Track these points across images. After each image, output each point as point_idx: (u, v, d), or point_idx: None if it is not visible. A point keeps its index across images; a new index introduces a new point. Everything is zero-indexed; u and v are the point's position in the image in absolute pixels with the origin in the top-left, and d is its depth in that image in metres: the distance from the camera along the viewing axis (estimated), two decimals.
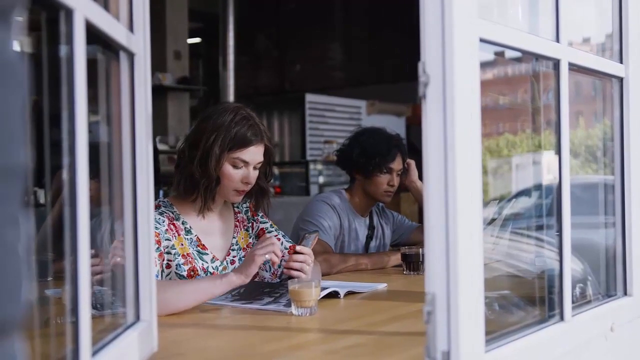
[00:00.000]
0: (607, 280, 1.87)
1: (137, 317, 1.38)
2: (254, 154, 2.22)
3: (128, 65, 1.36)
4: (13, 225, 0.56)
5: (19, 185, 0.58)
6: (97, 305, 1.36)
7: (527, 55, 1.59)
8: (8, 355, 0.56)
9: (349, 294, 2.18)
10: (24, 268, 0.58)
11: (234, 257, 2.32)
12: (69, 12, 1.00)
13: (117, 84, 1.35)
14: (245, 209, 2.42)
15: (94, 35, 1.12)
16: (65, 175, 1.02)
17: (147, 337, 1.38)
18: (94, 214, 1.11)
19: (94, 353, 1.10)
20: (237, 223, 2.38)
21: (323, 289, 2.03)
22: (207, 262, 2.22)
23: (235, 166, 2.20)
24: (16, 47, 0.58)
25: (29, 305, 0.60)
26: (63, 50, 1.02)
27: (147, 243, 1.39)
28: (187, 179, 2.21)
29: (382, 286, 2.36)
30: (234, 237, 2.35)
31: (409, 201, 6.71)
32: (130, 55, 1.35)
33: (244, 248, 2.35)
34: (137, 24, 1.37)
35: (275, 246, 2.00)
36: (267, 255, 1.97)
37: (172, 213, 2.22)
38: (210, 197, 2.22)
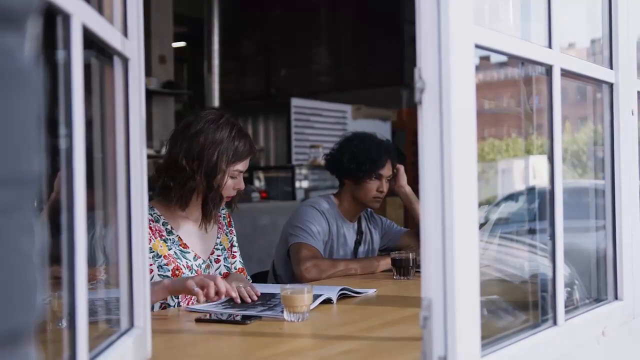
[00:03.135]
0: (598, 285, 1.88)
1: (131, 324, 1.37)
2: (247, 163, 2.36)
3: (122, 70, 1.35)
4: (28, 233, 0.56)
5: (33, 193, 0.57)
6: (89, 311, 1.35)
7: (513, 60, 1.60)
8: None
9: (342, 297, 2.19)
10: (38, 276, 0.58)
11: (218, 255, 2.42)
12: (67, 17, 0.99)
13: (110, 89, 1.34)
14: (223, 216, 2.53)
15: (89, 40, 1.11)
16: (62, 180, 1.01)
17: (141, 343, 1.37)
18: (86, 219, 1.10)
19: None
20: (220, 225, 2.48)
21: (316, 295, 2.03)
22: (190, 260, 2.29)
23: (232, 177, 2.32)
24: (30, 53, 0.57)
25: (42, 314, 0.59)
26: (60, 55, 1.01)
27: (141, 249, 1.38)
28: (189, 193, 2.28)
29: (372, 291, 2.36)
30: (217, 237, 2.44)
31: (394, 205, 6.73)
32: (125, 60, 1.34)
33: (227, 248, 2.47)
34: (131, 29, 1.37)
35: (211, 288, 1.96)
36: (195, 289, 1.94)
37: (152, 215, 2.24)
38: (217, 209, 2.35)
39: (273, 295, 2.18)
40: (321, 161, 7.27)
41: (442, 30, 1.16)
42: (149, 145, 7.09)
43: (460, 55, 1.18)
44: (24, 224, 0.56)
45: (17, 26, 0.55)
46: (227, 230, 2.51)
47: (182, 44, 10.41)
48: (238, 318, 1.88)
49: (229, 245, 2.49)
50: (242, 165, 2.32)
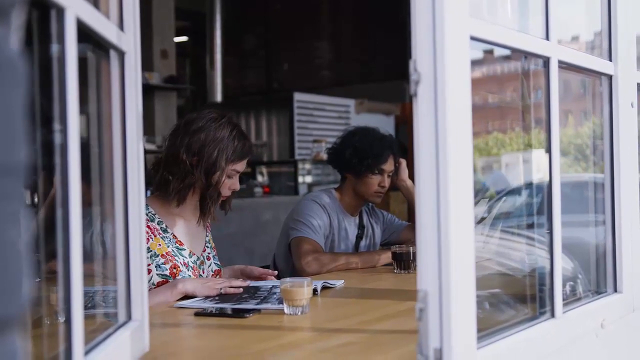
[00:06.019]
0: (597, 278, 1.88)
1: (129, 317, 1.37)
2: (245, 164, 2.39)
3: (118, 64, 1.35)
4: (14, 223, 0.57)
5: (20, 183, 0.58)
6: (86, 304, 1.35)
7: (516, 54, 1.60)
8: (9, 351, 0.56)
9: (324, 288, 2.24)
10: (25, 266, 0.58)
11: (208, 253, 2.46)
12: (60, 11, 0.99)
13: (107, 83, 1.35)
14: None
15: (84, 34, 1.11)
16: (57, 175, 1.01)
17: (138, 336, 1.38)
18: (83, 215, 1.10)
19: (86, 352, 1.09)
20: (208, 225, 2.51)
21: None
22: (186, 257, 2.33)
23: (229, 176, 2.34)
24: (15, 45, 0.58)
25: (29, 303, 0.60)
26: (54, 48, 1.02)
27: (138, 243, 1.39)
28: (187, 188, 2.30)
29: (340, 282, 2.40)
30: (207, 236, 2.49)
31: (397, 200, 6.73)
32: (121, 54, 1.35)
33: (213, 247, 2.51)
34: (127, 22, 1.37)
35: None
36: (222, 290, 2.15)
37: (147, 215, 2.26)
38: (214, 206, 2.37)
39: (258, 289, 2.20)
40: (324, 156, 7.27)
41: (437, 23, 1.16)
42: (151, 140, 7.10)
43: (456, 47, 1.18)
44: (10, 213, 0.57)
45: (2, 18, 0.55)
46: (211, 230, 2.56)
47: (184, 38, 10.41)
48: (234, 312, 1.89)
49: (214, 244, 2.54)
50: (239, 166, 2.35)
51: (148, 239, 2.22)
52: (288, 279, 1.96)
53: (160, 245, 2.27)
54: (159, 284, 2.21)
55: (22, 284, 0.57)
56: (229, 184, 2.34)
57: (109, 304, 1.44)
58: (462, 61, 1.20)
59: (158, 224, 2.31)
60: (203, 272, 2.38)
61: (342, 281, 2.42)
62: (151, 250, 2.23)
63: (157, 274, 2.23)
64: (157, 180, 2.32)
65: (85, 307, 1.12)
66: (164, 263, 2.25)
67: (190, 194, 2.33)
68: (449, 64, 1.16)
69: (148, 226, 2.25)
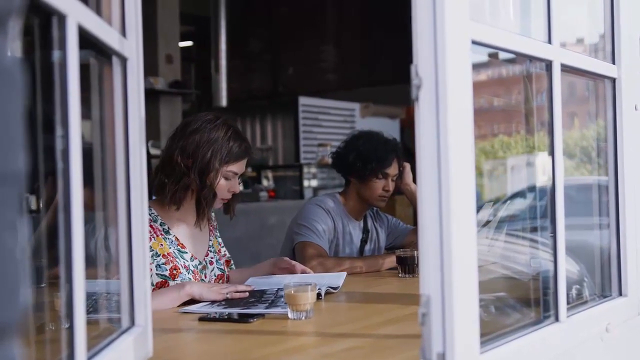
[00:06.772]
0: (602, 281, 1.88)
1: (132, 322, 1.37)
2: (243, 166, 2.38)
3: (121, 70, 1.35)
4: (12, 230, 0.57)
5: (18, 191, 0.58)
6: (89, 309, 1.35)
7: (521, 57, 1.60)
8: (8, 358, 0.56)
9: (328, 293, 2.23)
10: (22, 273, 0.58)
11: (211, 258, 2.46)
12: (62, 18, 1.00)
13: (109, 89, 1.35)
14: (213, 219, 2.57)
15: (86, 40, 1.12)
16: (59, 181, 1.01)
17: (142, 342, 1.38)
18: (87, 221, 1.11)
19: (89, 358, 1.10)
20: (212, 228, 2.51)
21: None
22: (187, 261, 2.33)
23: (226, 178, 2.33)
24: (13, 52, 0.58)
25: (27, 310, 0.60)
26: (55, 55, 1.02)
27: (142, 248, 1.39)
28: (182, 190, 2.29)
29: (342, 274, 2.44)
30: (210, 240, 2.48)
31: (403, 204, 6.72)
32: (123, 60, 1.35)
33: (217, 251, 2.50)
34: (129, 28, 1.37)
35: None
36: (228, 295, 2.14)
37: (150, 215, 2.27)
38: (209, 208, 2.36)
39: (264, 292, 2.20)
40: (329, 160, 7.27)
41: (438, 27, 1.16)
42: (157, 145, 7.09)
43: (456, 51, 1.18)
44: (8, 221, 0.57)
45: None
46: (216, 234, 2.55)
47: (189, 43, 10.41)
48: (240, 316, 1.89)
49: (219, 247, 2.53)
50: (236, 167, 2.34)
51: (150, 238, 2.22)
52: (292, 283, 1.96)
53: (162, 245, 2.27)
54: (158, 285, 2.22)
55: (19, 291, 0.58)
56: (228, 186, 2.34)
57: (112, 307, 1.44)
58: (463, 65, 1.20)
59: (160, 225, 2.31)
60: (205, 277, 2.38)
61: (344, 273, 2.45)
62: (152, 250, 2.24)
63: (156, 274, 2.24)
64: (156, 183, 2.32)
65: (88, 312, 1.12)
66: (164, 263, 2.25)
67: (189, 197, 2.33)
68: (450, 68, 1.16)
69: (151, 226, 2.26)
